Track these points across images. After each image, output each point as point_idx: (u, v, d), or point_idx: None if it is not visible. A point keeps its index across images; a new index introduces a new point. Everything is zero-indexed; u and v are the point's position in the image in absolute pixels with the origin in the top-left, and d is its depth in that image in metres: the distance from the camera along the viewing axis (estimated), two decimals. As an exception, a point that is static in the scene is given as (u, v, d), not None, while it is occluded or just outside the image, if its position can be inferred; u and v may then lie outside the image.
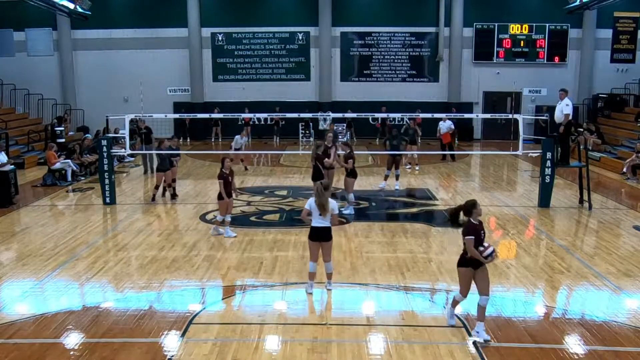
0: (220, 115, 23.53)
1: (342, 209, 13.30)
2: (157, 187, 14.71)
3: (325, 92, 28.11)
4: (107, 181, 14.15)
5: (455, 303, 7.27)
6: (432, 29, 28.02)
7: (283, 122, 26.90)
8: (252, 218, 13.11)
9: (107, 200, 14.20)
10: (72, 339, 6.98)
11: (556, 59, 27.59)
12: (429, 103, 26.73)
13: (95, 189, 15.89)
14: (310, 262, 8.36)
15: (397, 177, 16.17)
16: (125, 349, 6.70)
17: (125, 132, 15.42)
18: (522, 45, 27.58)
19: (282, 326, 7.35)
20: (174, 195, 14.92)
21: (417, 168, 19.34)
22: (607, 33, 25.38)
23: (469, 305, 8.13)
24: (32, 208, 14.22)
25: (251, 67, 28.45)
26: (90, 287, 8.81)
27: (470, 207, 6.94)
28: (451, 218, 7.30)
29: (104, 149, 14.16)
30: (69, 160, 17.63)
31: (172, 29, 27.68)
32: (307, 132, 27.63)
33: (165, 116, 23.94)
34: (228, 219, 11.40)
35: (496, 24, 27.45)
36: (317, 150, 13.04)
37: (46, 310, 7.90)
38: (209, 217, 13.00)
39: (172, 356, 6.56)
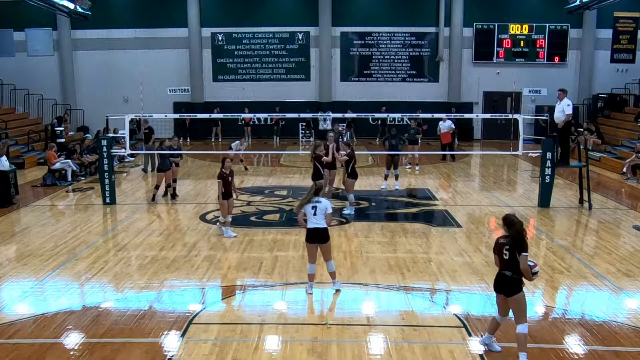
0: (220, 116, 23.53)
1: (344, 210, 13.31)
2: (157, 187, 14.71)
3: (325, 92, 28.11)
4: (107, 181, 14.15)
5: (496, 327, 6.70)
6: (432, 29, 28.02)
7: (283, 122, 26.90)
8: (252, 218, 13.11)
9: (107, 200, 14.20)
10: (72, 339, 6.98)
11: (556, 59, 27.60)
12: (429, 103, 26.76)
13: (95, 189, 15.89)
14: (309, 264, 8.36)
15: (396, 177, 16.16)
16: (125, 349, 6.70)
17: (125, 132, 15.42)
18: (522, 45, 27.58)
19: (282, 326, 7.35)
20: (174, 195, 14.93)
21: (417, 168, 19.34)
22: (607, 33, 25.39)
23: (469, 305, 8.15)
24: (32, 208, 14.22)
25: (251, 67, 28.45)
26: (90, 287, 8.80)
27: (521, 225, 6.37)
28: (522, 244, 6.31)
29: (104, 149, 14.16)
30: (69, 160, 17.63)
31: (172, 29, 27.68)
32: (308, 132, 27.63)
33: (165, 116, 23.94)
34: (229, 219, 11.41)
35: (496, 24, 27.45)
36: (316, 150, 13.05)
37: (46, 310, 7.90)
38: (209, 217, 13.00)
39: (172, 356, 6.56)
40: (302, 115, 23.50)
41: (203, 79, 28.31)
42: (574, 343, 6.90)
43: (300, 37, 28.26)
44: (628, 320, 7.54)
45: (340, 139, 16.37)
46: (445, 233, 11.82)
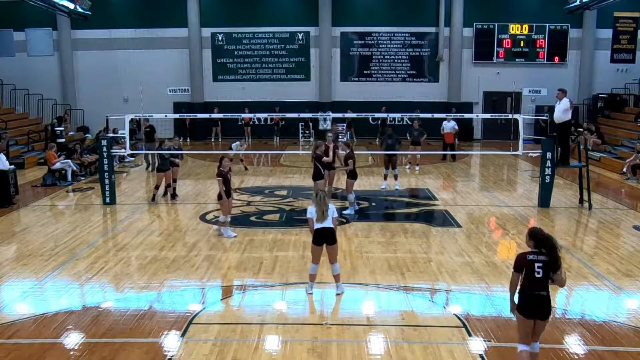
0: (220, 115, 23.53)
1: (346, 210, 13.31)
2: (157, 187, 14.71)
3: (325, 92, 28.11)
4: (107, 181, 14.15)
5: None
6: (432, 29, 28.02)
7: (283, 122, 26.89)
8: (252, 218, 13.10)
9: (107, 200, 14.20)
10: (72, 339, 6.98)
11: (556, 59, 27.59)
12: (429, 103, 26.75)
13: (95, 189, 15.89)
14: (312, 265, 8.32)
15: (395, 177, 16.15)
16: (125, 349, 6.70)
17: (124, 132, 15.42)
18: (522, 45, 27.57)
19: (282, 326, 7.35)
20: (174, 195, 14.93)
21: (417, 168, 19.33)
22: (607, 33, 25.37)
23: (469, 305, 8.15)
24: (32, 208, 14.22)
25: (251, 67, 28.45)
26: (90, 287, 8.80)
27: (554, 239, 5.94)
28: (559, 260, 5.83)
29: (104, 149, 14.16)
30: (69, 160, 17.63)
31: (172, 29, 27.68)
32: (307, 132, 27.63)
33: (165, 116, 23.96)
34: (228, 219, 11.41)
35: (496, 24, 27.44)
36: (317, 150, 13.04)
37: (46, 310, 7.90)
38: (209, 217, 13.00)
39: (172, 356, 6.56)
40: (302, 115, 23.50)
41: (203, 79, 28.31)
42: (574, 343, 6.90)
43: (300, 37, 28.26)
44: (628, 320, 7.55)
45: (340, 139, 16.38)
46: (445, 233, 11.82)
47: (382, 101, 26.59)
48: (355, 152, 13.91)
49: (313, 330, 7.21)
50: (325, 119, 25.29)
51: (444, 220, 13.01)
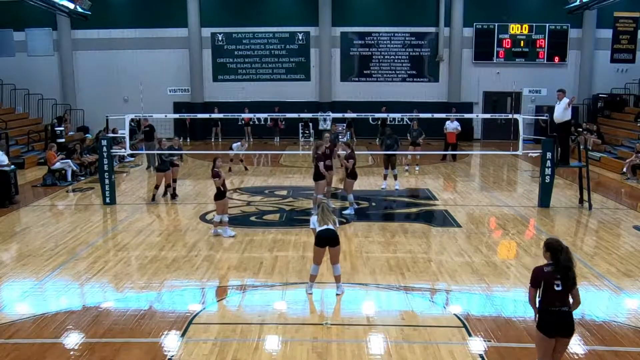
0: (221, 115, 23.54)
1: (346, 210, 13.31)
2: (157, 187, 14.72)
3: (325, 92, 28.10)
4: (107, 181, 14.15)
5: None
6: (432, 29, 28.01)
7: (283, 123, 26.87)
8: (252, 218, 13.10)
9: (107, 200, 14.20)
10: (72, 339, 6.98)
11: (556, 59, 27.58)
12: (429, 103, 26.76)
13: (95, 189, 15.89)
14: (313, 265, 8.31)
15: (395, 177, 16.16)
16: (125, 349, 6.70)
17: (124, 132, 15.42)
18: (522, 45, 27.56)
19: (282, 326, 7.35)
20: (174, 195, 14.93)
21: (417, 168, 19.32)
22: (607, 33, 25.37)
23: (469, 305, 8.15)
24: (32, 208, 14.22)
25: (251, 67, 28.44)
26: (90, 287, 8.80)
27: (570, 251, 5.51)
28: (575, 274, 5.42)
29: (104, 149, 14.16)
30: (69, 160, 17.63)
31: (172, 29, 27.67)
32: (307, 132, 27.62)
33: (165, 116, 23.96)
34: (225, 218, 11.42)
35: (496, 24, 27.43)
36: (318, 150, 13.04)
37: (46, 310, 7.90)
38: (209, 217, 12.99)
39: (172, 356, 6.56)
40: (302, 115, 23.49)
41: (203, 79, 28.30)
42: (574, 343, 6.88)
43: (300, 37, 28.25)
44: (628, 320, 7.55)
45: (340, 139, 16.39)
46: (445, 233, 11.82)
47: (382, 101, 26.59)
48: (355, 152, 13.90)
49: (313, 330, 7.21)
50: (325, 119, 25.29)
51: (444, 220, 13.01)
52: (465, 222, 12.64)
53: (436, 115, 21.39)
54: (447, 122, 21.19)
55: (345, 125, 26.29)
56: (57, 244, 10.93)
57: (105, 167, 14.09)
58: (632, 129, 22.47)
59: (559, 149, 14.07)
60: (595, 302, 8.30)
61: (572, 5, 24.31)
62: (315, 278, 8.40)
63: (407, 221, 13.06)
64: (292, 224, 12.48)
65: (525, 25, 27.35)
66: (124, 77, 27.30)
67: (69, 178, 17.33)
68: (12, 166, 15.32)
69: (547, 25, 27.24)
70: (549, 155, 13.63)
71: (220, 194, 11.28)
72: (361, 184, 15.95)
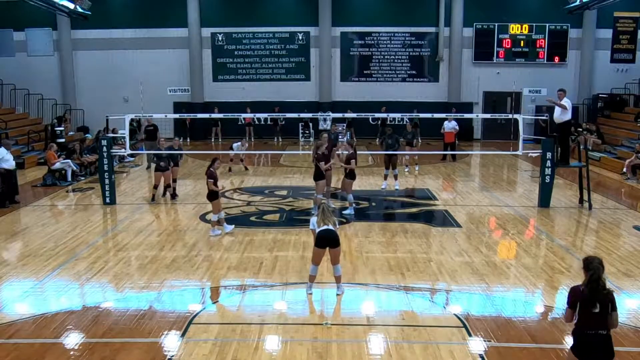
0: (221, 116, 23.53)
1: (346, 210, 13.30)
2: (155, 187, 14.73)
3: (325, 92, 28.10)
4: (107, 181, 14.15)
5: None
6: (432, 29, 28.02)
7: (283, 122, 26.88)
8: (252, 218, 13.10)
9: (107, 200, 14.20)
10: (72, 339, 6.98)
11: (556, 59, 27.59)
12: (429, 103, 26.76)
13: (95, 189, 15.89)
14: (312, 266, 8.31)
15: (395, 177, 16.16)
16: (125, 349, 6.70)
17: (124, 132, 15.43)
18: (522, 45, 27.58)
19: (282, 326, 7.35)
20: (174, 195, 14.93)
21: (416, 168, 19.31)
22: (607, 33, 25.38)
23: (469, 305, 8.15)
24: (32, 208, 14.22)
25: (251, 67, 28.45)
26: (90, 287, 8.80)
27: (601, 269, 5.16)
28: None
29: (104, 149, 14.16)
30: (69, 160, 17.63)
31: (172, 29, 27.68)
32: (307, 132, 27.62)
33: (165, 116, 23.95)
34: (222, 215, 11.46)
35: (496, 24, 27.44)
36: (318, 150, 13.04)
37: (46, 310, 7.90)
38: (209, 217, 12.98)
39: (172, 356, 6.56)
40: (302, 115, 23.48)
41: (203, 79, 28.30)
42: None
43: (300, 37, 28.26)
44: (628, 320, 7.54)
45: (340, 139, 16.39)
46: (445, 233, 11.81)
47: (382, 101, 26.58)
48: (357, 152, 13.89)
49: (313, 330, 7.21)
50: (325, 119, 25.30)
51: (444, 220, 13.01)
52: (465, 222, 12.64)
53: (436, 115, 21.43)
54: (445, 122, 21.21)
55: (345, 125, 26.29)
56: (57, 244, 10.93)
57: (105, 167, 14.09)
58: (632, 129, 22.47)
59: (559, 149, 14.07)
60: (595, 302, 8.29)
61: (572, 5, 24.30)
62: (315, 278, 8.39)
63: (407, 221, 13.05)
64: (292, 224, 12.48)
65: (525, 25, 27.37)
66: (124, 77, 27.30)
67: (69, 178, 17.33)
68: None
69: (547, 25, 27.25)
70: (549, 155, 13.63)
71: (215, 194, 11.34)
72: (361, 184, 15.95)
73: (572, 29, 27.33)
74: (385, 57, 28.38)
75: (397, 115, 25.14)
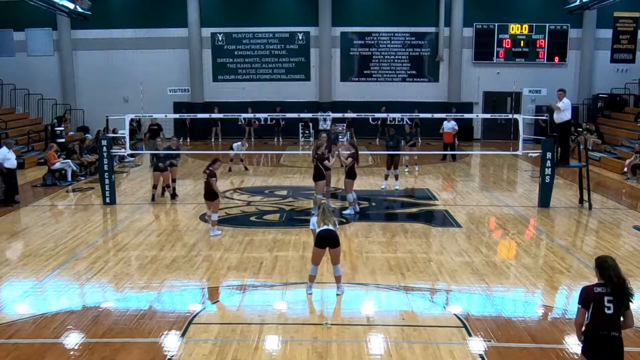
0: (221, 115, 23.53)
1: (346, 210, 13.30)
2: (154, 187, 14.73)
3: (325, 92, 28.10)
4: (107, 181, 14.14)
5: None
6: (432, 29, 28.02)
7: (283, 122, 26.87)
8: (252, 218, 13.10)
9: (107, 200, 14.20)
10: (72, 339, 6.98)
11: (556, 59, 27.59)
12: (429, 103, 26.75)
13: (95, 189, 15.89)
14: (312, 266, 8.31)
15: (396, 177, 16.17)
16: (125, 349, 6.70)
17: (124, 132, 15.43)
18: (522, 45, 27.58)
19: (282, 326, 7.35)
20: (173, 195, 14.92)
21: (416, 168, 19.32)
22: (607, 33, 25.37)
23: (469, 305, 8.15)
24: (32, 208, 14.22)
25: (251, 67, 28.45)
26: (90, 287, 8.80)
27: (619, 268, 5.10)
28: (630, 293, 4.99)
29: (104, 149, 14.16)
30: (69, 160, 17.63)
31: (172, 29, 27.68)
32: (307, 132, 27.63)
33: (166, 116, 23.95)
34: (215, 217, 11.49)
35: (496, 24, 27.44)
36: (318, 150, 13.03)
37: (46, 310, 7.90)
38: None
39: (172, 356, 6.56)
40: (302, 115, 23.48)
41: (203, 79, 28.30)
42: (574, 343, 6.87)
43: (300, 37, 28.26)
44: (628, 320, 7.53)
45: (340, 139, 16.38)
46: (445, 233, 11.81)
47: (382, 101, 26.58)
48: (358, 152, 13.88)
49: (313, 330, 7.21)
50: (325, 119, 25.30)
51: (444, 220, 13.01)
52: (465, 222, 12.64)
53: (436, 115, 21.42)
54: (444, 122, 21.21)
55: (345, 125, 26.29)
56: (57, 244, 10.93)
57: (105, 167, 14.09)
58: (632, 129, 22.47)
59: (559, 149, 14.07)
60: (595, 302, 8.29)
61: (572, 5, 24.30)
62: (314, 278, 8.39)
63: (407, 221, 13.05)
64: (292, 224, 12.48)
65: (525, 25, 27.37)
66: (124, 77, 27.29)
67: (69, 178, 17.33)
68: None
69: (547, 25, 27.25)
70: (549, 155, 13.63)
71: (215, 194, 11.33)
72: (361, 184, 15.94)
73: (572, 29, 27.33)
74: (385, 57, 28.38)
75: (397, 115, 25.14)
